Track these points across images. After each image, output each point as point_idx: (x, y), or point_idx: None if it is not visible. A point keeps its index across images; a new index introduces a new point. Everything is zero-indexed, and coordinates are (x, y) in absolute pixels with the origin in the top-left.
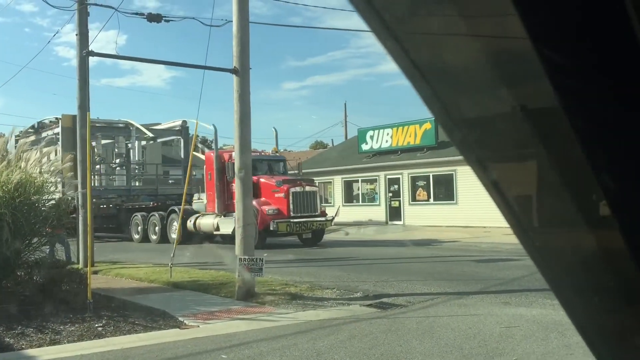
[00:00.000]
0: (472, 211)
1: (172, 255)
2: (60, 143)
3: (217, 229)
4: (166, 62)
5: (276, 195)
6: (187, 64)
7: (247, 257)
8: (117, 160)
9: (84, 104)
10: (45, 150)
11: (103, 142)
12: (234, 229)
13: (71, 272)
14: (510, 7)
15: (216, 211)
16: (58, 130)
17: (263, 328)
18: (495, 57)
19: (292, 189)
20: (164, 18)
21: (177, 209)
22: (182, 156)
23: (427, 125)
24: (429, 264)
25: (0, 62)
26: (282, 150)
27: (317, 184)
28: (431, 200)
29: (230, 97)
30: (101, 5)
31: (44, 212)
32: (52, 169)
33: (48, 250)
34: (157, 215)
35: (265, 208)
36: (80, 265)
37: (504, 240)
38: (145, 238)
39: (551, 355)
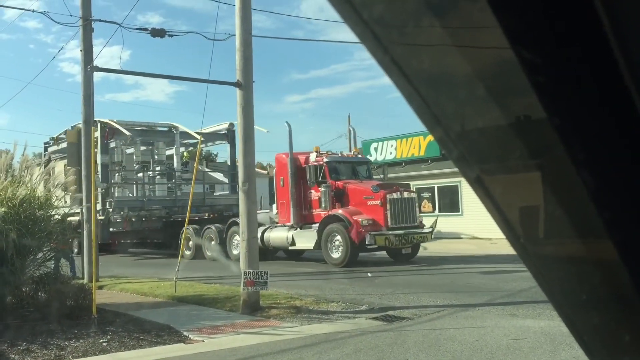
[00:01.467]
0: (478, 222)
1: (176, 269)
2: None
3: (293, 243)
4: (170, 76)
5: (369, 203)
6: (191, 78)
7: (251, 271)
8: (159, 168)
9: (88, 119)
10: (48, 165)
11: (142, 148)
12: (316, 243)
13: (76, 287)
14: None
15: (291, 222)
16: (96, 134)
17: (268, 342)
18: (485, 69)
19: (390, 196)
20: (167, 33)
21: (238, 221)
22: (229, 162)
23: (432, 137)
24: (435, 276)
25: (6, 79)
26: None
27: (414, 190)
28: (436, 211)
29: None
30: (105, 21)
31: (49, 228)
32: (56, 183)
33: (53, 265)
34: (213, 228)
35: (359, 218)
36: (85, 280)
37: (512, 252)
38: (198, 254)
39: None
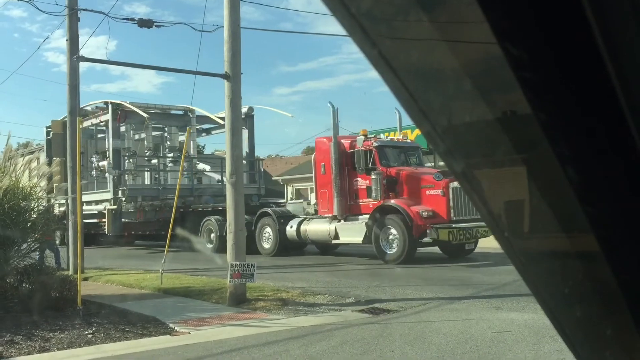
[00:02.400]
0: None
1: (163, 261)
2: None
3: (336, 236)
4: (157, 67)
5: (428, 192)
6: (178, 69)
7: (238, 263)
8: (171, 154)
9: (74, 110)
10: (29, 156)
11: (153, 133)
12: (365, 236)
13: (61, 279)
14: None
15: (335, 213)
16: (106, 117)
17: (254, 334)
18: (472, 64)
19: (453, 184)
20: (154, 23)
21: (270, 212)
22: (248, 150)
23: (419, 131)
24: (421, 269)
25: None
26: (274, 156)
27: None
28: None
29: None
30: (91, 11)
31: (33, 218)
32: (41, 173)
33: (37, 256)
34: None
35: (419, 210)
36: (70, 272)
37: (496, 245)
38: (221, 247)
39: (542, 359)
